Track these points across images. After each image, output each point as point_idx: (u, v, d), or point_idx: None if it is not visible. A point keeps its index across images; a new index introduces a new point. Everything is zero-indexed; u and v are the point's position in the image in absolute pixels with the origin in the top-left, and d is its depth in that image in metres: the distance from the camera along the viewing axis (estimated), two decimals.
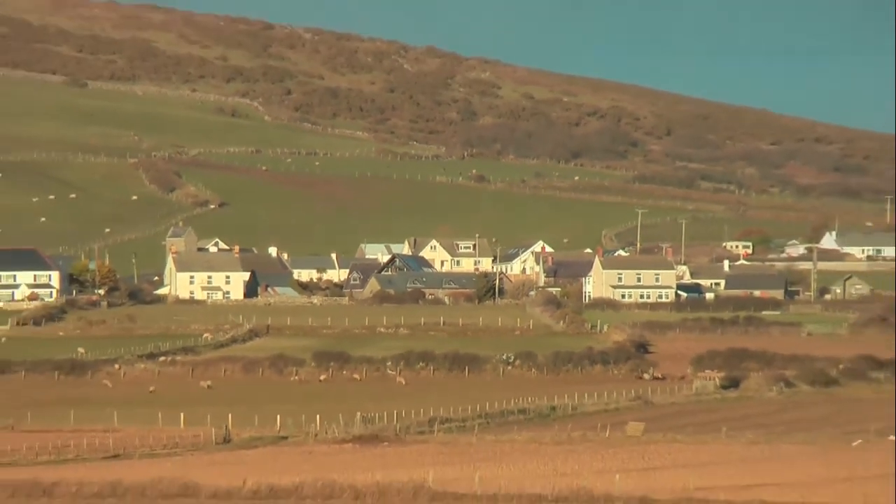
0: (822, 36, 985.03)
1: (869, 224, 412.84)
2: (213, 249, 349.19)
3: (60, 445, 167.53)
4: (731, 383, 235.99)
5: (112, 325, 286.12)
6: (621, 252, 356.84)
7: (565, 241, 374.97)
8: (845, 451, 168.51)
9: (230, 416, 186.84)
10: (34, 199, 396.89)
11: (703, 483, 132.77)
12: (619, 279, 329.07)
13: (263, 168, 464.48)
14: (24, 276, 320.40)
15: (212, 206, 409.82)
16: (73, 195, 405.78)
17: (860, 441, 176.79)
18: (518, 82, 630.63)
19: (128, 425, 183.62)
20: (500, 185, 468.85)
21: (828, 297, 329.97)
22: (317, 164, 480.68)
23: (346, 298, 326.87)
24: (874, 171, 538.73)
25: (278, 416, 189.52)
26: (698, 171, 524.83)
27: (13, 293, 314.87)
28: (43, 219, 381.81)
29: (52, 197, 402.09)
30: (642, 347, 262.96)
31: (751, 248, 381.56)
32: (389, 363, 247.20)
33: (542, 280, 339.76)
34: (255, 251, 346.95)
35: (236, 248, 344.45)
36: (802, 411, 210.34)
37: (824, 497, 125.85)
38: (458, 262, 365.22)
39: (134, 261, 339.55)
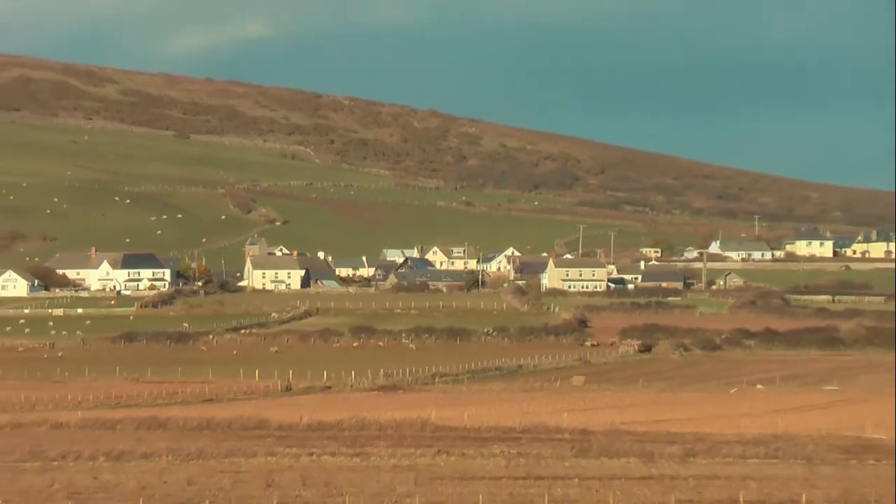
0: (708, 98, 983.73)
1: (743, 235, 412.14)
2: (278, 254, 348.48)
3: (171, 392, 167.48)
4: (646, 348, 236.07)
5: (207, 308, 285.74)
6: (568, 255, 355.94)
7: (528, 248, 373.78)
8: (726, 396, 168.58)
9: (290, 372, 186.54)
10: (153, 219, 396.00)
11: (626, 419, 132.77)
12: (567, 275, 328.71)
13: (314, 196, 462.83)
14: (146, 273, 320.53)
15: (277, 223, 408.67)
16: (179, 216, 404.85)
17: (736, 389, 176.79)
18: (495, 135, 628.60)
19: (218, 379, 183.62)
20: (483, 208, 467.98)
21: (713, 287, 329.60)
22: (352, 193, 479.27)
23: (373, 289, 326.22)
24: (747, 198, 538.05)
25: (325, 372, 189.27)
26: (623, 198, 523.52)
27: (138, 285, 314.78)
28: (159, 231, 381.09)
29: (164, 217, 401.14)
30: (583, 323, 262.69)
31: (659, 252, 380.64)
32: (403, 334, 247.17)
33: (512, 275, 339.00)
34: (308, 255, 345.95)
35: (295, 252, 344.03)
36: (696, 368, 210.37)
37: (711, 428, 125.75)
38: (452, 262, 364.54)
39: (223, 262, 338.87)
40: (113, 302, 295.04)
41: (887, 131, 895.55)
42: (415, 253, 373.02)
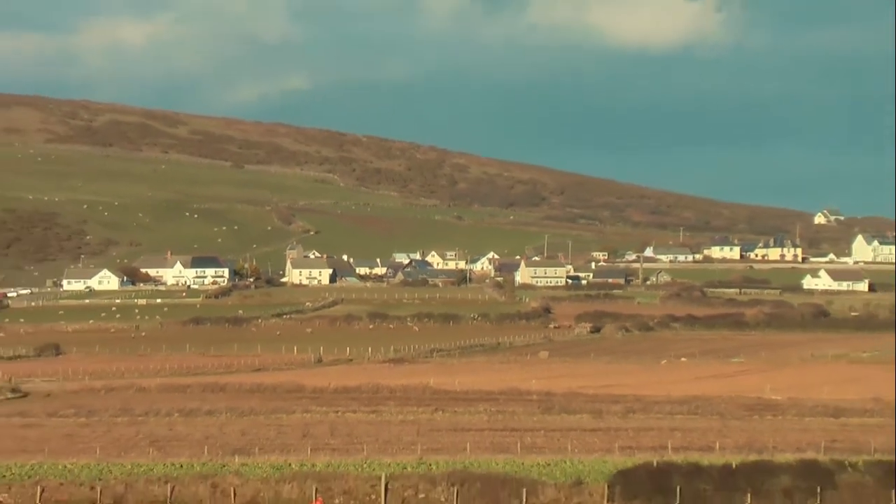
0: (643, 137, 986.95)
1: (670, 243, 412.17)
2: (311, 257, 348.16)
3: (228, 364, 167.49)
4: (596, 329, 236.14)
5: (257, 298, 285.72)
6: (535, 258, 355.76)
7: (505, 252, 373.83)
8: (657, 367, 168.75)
9: (321, 347, 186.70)
10: (214, 229, 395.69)
11: (580, 384, 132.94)
12: (535, 273, 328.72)
13: (339, 212, 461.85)
14: (209, 271, 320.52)
15: (311, 233, 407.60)
16: (235, 227, 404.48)
17: (665, 361, 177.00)
18: (479, 165, 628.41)
19: (265, 353, 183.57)
20: (470, 222, 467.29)
21: (648, 282, 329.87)
22: (368, 209, 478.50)
23: (385, 284, 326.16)
24: (673, 213, 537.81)
25: (347, 348, 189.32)
26: (578, 214, 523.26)
27: (203, 280, 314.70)
28: (219, 239, 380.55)
29: (224, 228, 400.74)
30: (547, 310, 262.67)
31: (606, 255, 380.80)
32: (408, 319, 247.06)
33: (492, 273, 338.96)
34: (335, 257, 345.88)
35: (324, 255, 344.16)
36: (634, 345, 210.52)
37: (646, 391, 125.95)
38: (446, 263, 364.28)
39: (268, 263, 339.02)
40: (184, 294, 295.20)
41: (772, 165, 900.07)
42: (417, 256, 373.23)
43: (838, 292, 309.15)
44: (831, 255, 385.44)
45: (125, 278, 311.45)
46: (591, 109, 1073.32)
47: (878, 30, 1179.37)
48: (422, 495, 68.96)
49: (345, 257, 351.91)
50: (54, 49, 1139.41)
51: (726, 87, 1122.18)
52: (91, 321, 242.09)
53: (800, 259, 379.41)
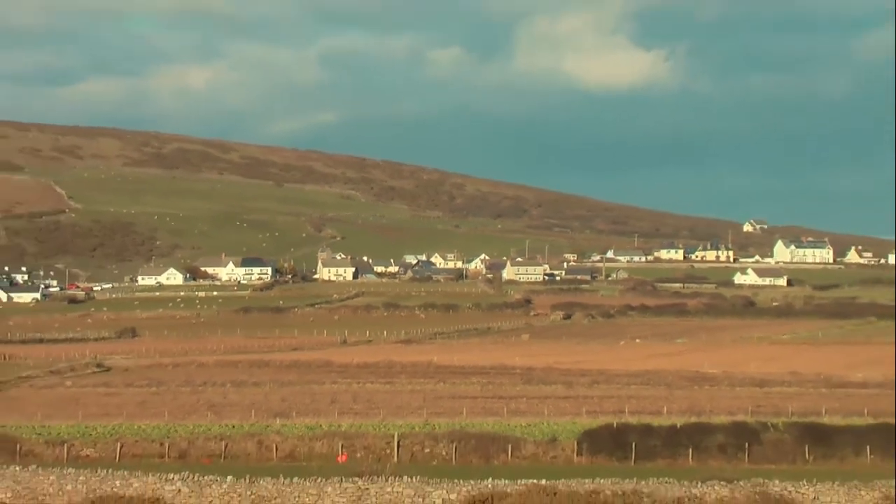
0: (607, 161, 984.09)
1: (628, 247, 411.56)
2: (338, 258, 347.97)
3: (271, 344, 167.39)
4: (567, 316, 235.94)
5: (294, 291, 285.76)
6: (519, 259, 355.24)
7: (494, 254, 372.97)
8: (617, 347, 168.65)
9: (346, 331, 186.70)
10: (259, 236, 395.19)
11: (556, 361, 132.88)
12: (518, 271, 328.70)
13: (360, 221, 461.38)
14: (256, 270, 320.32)
15: (337, 239, 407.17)
16: (276, 234, 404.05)
17: (623, 342, 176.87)
18: (474, 184, 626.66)
19: (301, 336, 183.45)
20: (466, 230, 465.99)
21: (609, 278, 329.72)
22: (384, 220, 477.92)
23: (397, 279, 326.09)
24: (630, 223, 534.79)
25: (367, 331, 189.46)
26: (553, 223, 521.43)
27: (251, 277, 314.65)
28: (264, 244, 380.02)
29: (267, 234, 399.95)
30: (528, 301, 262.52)
31: (576, 257, 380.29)
32: (416, 308, 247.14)
33: (484, 272, 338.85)
34: (357, 258, 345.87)
35: (349, 257, 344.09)
36: (599, 329, 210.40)
37: (608, 366, 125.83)
38: (447, 263, 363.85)
39: (304, 263, 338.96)
40: (235, 288, 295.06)
41: (711, 184, 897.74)
42: (423, 257, 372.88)
43: (762, 287, 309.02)
44: (757, 257, 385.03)
45: (188, 275, 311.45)
46: (566, 139, 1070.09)
47: (797, 75, 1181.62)
48: (427, 450, 69.07)
49: (365, 258, 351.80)
50: (132, 90, 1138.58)
51: (675, 121, 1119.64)
52: (160, 310, 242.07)
53: (731, 260, 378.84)
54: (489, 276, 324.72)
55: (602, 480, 49.53)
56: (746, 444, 68.80)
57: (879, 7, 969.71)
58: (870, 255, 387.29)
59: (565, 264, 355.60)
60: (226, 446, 69.14)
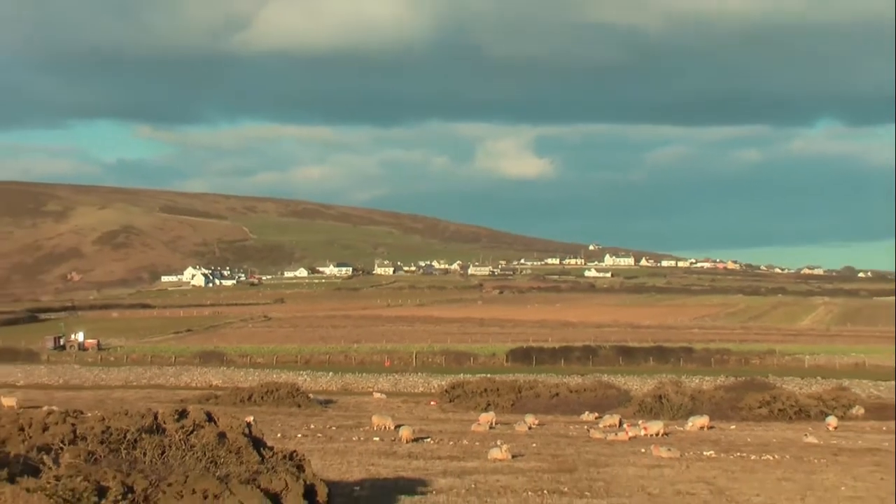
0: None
1: (532, 258, 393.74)
2: (385, 262, 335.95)
3: (351, 306, 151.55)
4: (501, 292, 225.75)
5: (362, 280, 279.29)
6: (477, 263, 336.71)
7: (477, 263, 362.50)
8: (526, 308, 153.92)
9: (388, 300, 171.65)
10: (345, 252, 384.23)
11: (494, 315, 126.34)
12: (477, 270, 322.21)
13: (392, 242, 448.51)
14: (343, 269, 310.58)
15: (385, 252, 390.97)
16: (353, 250, 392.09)
17: (529, 306, 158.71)
18: (455, 225, 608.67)
19: (365, 301, 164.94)
20: (450, 248, 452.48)
21: (522, 273, 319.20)
22: (408, 244, 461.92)
23: (414, 274, 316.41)
24: (535, 245, 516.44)
25: (399, 300, 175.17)
26: (495, 246, 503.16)
27: (340, 271, 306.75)
28: (347, 254, 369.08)
29: (349, 251, 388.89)
30: (481, 285, 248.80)
31: (505, 262, 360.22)
32: (424, 288, 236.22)
33: (459, 270, 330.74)
34: (394, 263, 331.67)
35: (390, 262, 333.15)
36: (517, 300, 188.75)
37: (522, 317, 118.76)
38: (440, 266, 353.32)
39: (361, 265, 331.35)
40: (333, 278, 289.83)
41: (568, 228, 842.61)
42: (428, 262, 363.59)
43: (599, 277, 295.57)
44: (596, 262, 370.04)
45: (309, 272, 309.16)
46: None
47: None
48: (429, 360, 71.35)
49: (398, 263, 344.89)
50: None
51: (555, 196, 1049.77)
52: (296, 289, 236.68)
53: (584, 263, 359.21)
54: (461, 272, 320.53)
55: (518, 375, 52.50)
56: (590, 357, 70.51)
57: None
58: (652, 262, 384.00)
59: (500, 267, 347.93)
60: (328, 357, 70.84)
